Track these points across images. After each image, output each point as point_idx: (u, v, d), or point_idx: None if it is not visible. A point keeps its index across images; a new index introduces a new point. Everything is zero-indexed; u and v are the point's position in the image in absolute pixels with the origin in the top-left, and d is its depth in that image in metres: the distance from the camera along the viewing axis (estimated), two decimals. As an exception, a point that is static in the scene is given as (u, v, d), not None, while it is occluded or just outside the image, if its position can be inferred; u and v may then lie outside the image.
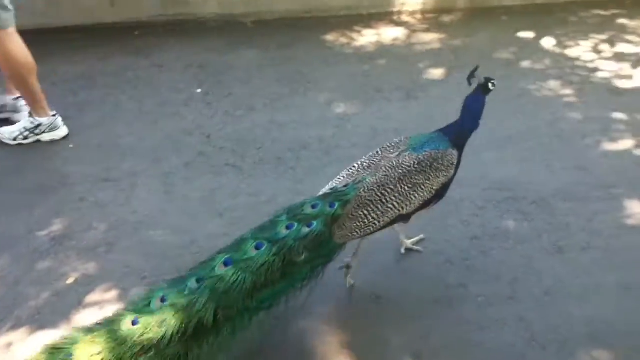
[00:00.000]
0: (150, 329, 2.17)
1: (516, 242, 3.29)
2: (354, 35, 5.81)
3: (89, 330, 2.21)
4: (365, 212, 2.63)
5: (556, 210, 3.53)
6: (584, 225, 3.41)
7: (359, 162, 2.80)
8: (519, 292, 2.97)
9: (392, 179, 2.68)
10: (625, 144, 4.18)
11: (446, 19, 6.27)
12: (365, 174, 2.72)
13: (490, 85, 2.89)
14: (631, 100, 4.75)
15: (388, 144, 2.86)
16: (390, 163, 2.73)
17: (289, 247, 2.45)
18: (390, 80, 4.99)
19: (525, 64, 5.36)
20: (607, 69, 5.24)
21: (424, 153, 2.75)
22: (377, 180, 2.68)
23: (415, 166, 2.72)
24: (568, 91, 4.89)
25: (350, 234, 2.63)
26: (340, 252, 2.68)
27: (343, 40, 5.70)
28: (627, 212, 3.52)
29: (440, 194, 2.84)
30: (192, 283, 2.33)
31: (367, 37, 5.76)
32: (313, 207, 2.61)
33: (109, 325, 2.20)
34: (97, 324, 2.24)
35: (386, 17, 6.22)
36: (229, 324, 2.33)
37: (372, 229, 2.68)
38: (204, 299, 2.27)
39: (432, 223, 3.30)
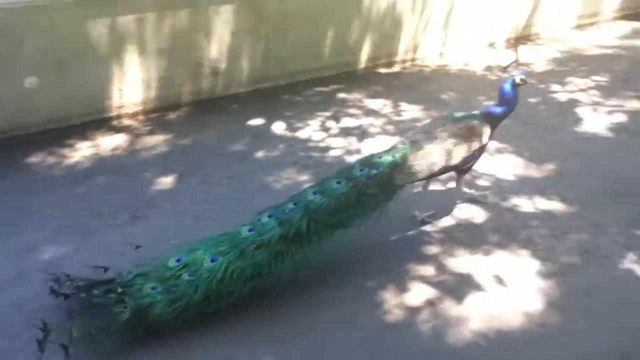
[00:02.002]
0: (263, 233, 3.14)
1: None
2: (66, 151, 5.00)
3: (216, 239, 3.18)
4: (419, 162, 3.54)
5: (320, 320, 3.18)
6: (346, 342, 3.09)
7: (416, 129, 3.85)
8: None
9: (439, 140, 3.63)
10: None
11: (172, 116, 5.83)
12: (418, 137, 3.69)
13: (518, 80, 3.84)
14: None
15: (435, 118, 4.10)
16: (439, 129, 3.70)
17: (362, 182, 3.39)
18: (112, 200, 4.30)
19: (260, 154, 5.14)
20: (337, 146, 5.28)
21: (463, 123, 3.75)
22: (429, 140, 3.63)
23: (457, 131, 3.69)
24: (305, 177, 4.74)
25: (407, 178, 3.53)
26: (399, 193, 3.54)
27: (51, 159, 4.84)
28: (385, 307, 3.31)
29: (476, 155, 3.79)
30: (290, 205, 3.29)
31: (81, 152, 4.99)
32: (379, 157, 3.57)
33: (231, 234, 3.19)
34: (221, 234, 3.20)
35: (104, 124, 5.54)
36: (316, 234, 3.23)
37: (424, 175, 3.60)
38: (300, 214, 3.22)
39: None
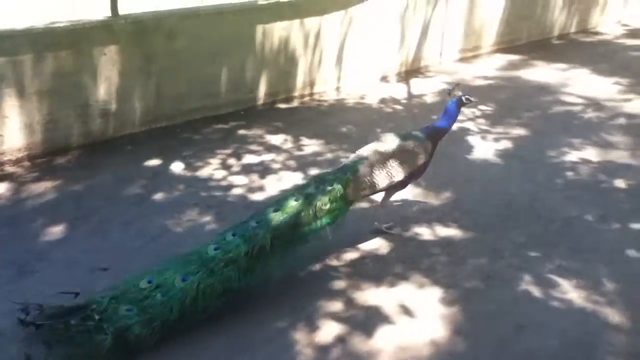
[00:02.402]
0: (229, 251, 3.38)
1: None
2: (-62, 204, 4.54)
3: (183, 259, 3.38)
4: (368, 178, 3.90)
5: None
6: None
7: (363, 148, 4.07)
8: None
9: (386, 157, 3.98)
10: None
11: (61, 160, 5.47)
12: (368, 154, 3.99)
13: (464, 99, 4.16)
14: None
15: (383, 136, 4.17)
16: (385, 147, 4.02)
17: (317, 199, 3.68)
18: (-5, 256, 3.93)
19: (159, 196, 4.93)
20: (239, 184, 5.18)
21: (408, 141, 4.08)
22: (377, 157, 3.96)
23: (402, 149, 4.02)
24: (208, 217, 4.60)
25: (359, 193, 3.89)
26: (353, 205, 3.94)
27: None
28: (297, 347, 3.22)
29: (420, 171, 4.16)
30: (252, 223, 3.55)
31: (-43, 204, 4.55)
32: (333, 174, 3.89)
33: (198, 253, 3.40)
34: (188, 254, 3.42)
35: (-17, 172, 5.10)
36: (280, 249, 3.51)
37: (374, 190, 3.97)
38: (263, 231, 3.48)
39: None
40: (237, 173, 5.39)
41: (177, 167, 5.47)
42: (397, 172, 3.98)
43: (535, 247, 4.27)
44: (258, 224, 3.54)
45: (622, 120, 6.77)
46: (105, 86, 5.77)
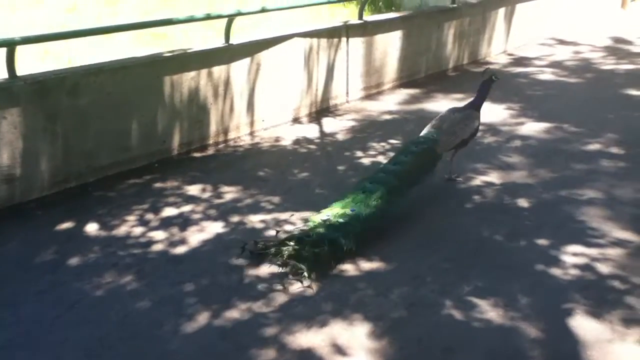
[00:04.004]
0: (375, 191, 4.92)
1: None
2: None
3: (339, 204, 4.88)
4: (447, 137, 5.58)
5: None
6: None
7: (439, 117, 5.88)
8: None
9: (455, 123, 5.70)
10: (204, 317, 3.96)
11: (-37, 232, 5.15)
12: (442, 123, 5.70)
13: (493, 77, 5.95)
14: (192, 266, 4.65)
15: (446, 112, 6.01)
16: (452, 117, 5.79)
17: (418, 152, 5.41)
18: None
19: (74, 260, 4.74)
20: (159, 239, 5.08)
21: (465, 112, 5.88)
22: (449, 124, 5.68)
23: (463, 117, 5.80)
24: (129, 277, 4.48)
25: (442, 149, 5.58)
26: (440, 159, 5.62)
27: None
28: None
29: (474, 133, 5.91)
30: (381, 175, 5.21)
31: None
32: (425, 137, 5.59)
33: (351, 197, 4.93)
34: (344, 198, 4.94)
35: None
36: (400, 190, 5.10)
37: (451, 146, 5.69)
38: (391, 176, 5.13)
39: None
40: (156, 228, 5.29)
41: (91, 227, 5.28)
42: (464, 131, 5.69)
43: (453, 270, 4.49)
44: (385, 174, 5.13)
45: (517, 143, 7.29)
46: (8, 151, 5.53)
